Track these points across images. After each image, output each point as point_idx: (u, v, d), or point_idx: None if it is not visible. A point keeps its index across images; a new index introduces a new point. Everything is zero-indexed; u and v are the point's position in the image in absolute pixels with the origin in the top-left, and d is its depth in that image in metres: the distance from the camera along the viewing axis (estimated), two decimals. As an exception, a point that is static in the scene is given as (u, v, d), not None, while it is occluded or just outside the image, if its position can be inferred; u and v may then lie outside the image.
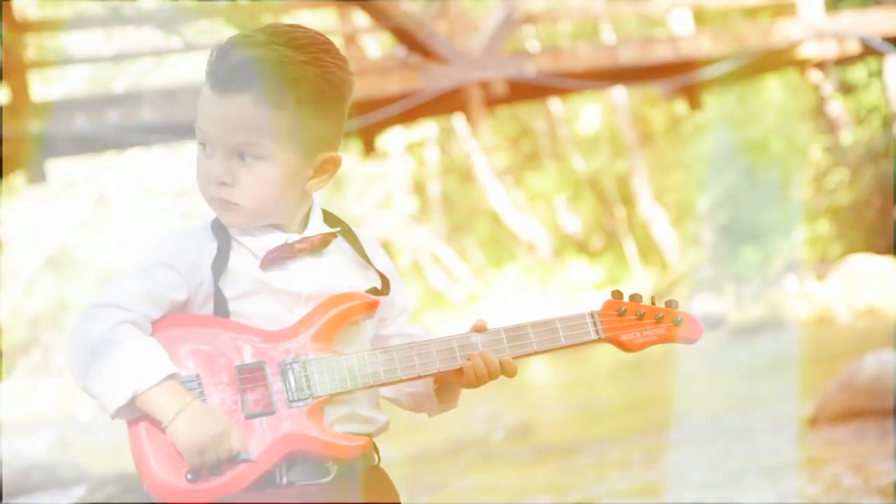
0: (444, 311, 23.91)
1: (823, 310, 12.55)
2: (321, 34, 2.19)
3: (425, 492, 6.60)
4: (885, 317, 12.01)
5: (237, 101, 2.10)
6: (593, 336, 2.26)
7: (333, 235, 2.22)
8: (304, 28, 2.18)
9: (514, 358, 2.22)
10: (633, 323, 2.28)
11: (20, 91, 9.28)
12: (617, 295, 2.29)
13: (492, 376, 2.21)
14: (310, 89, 2.13)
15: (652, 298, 2.31)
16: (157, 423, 2.06)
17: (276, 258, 2.16)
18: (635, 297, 2.29)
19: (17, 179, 17.42)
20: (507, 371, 2.21)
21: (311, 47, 2.14)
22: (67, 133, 9.43)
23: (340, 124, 2.22)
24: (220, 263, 2.14)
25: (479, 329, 2.22)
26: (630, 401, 9.65)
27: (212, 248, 2.16)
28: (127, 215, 24.27)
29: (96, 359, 2.07)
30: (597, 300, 2.31)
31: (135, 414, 2.08)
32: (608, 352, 15.20)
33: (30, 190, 21.94)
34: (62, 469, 9.61)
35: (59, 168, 21.58)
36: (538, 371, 14.30)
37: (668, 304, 2.30)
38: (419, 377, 2.20)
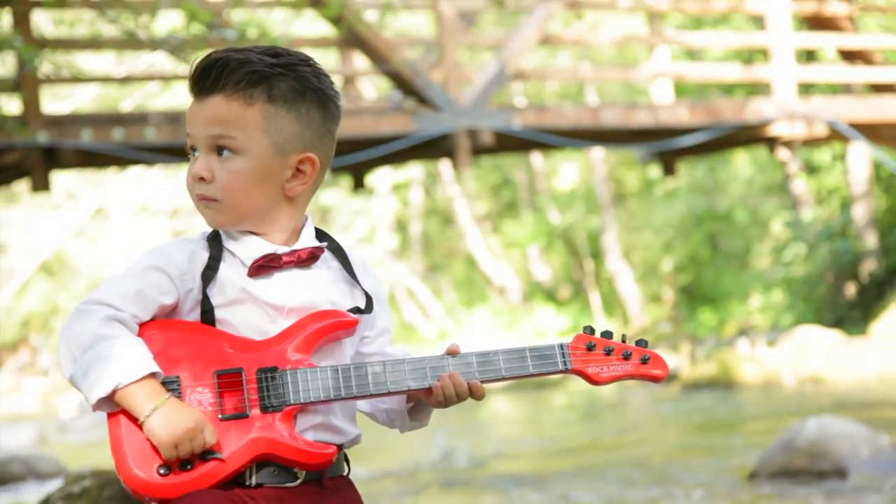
0: (416, 344, 23.88)
1: (771, 374, 12.61)
2: (307, 56, 2.23)
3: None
4: (829, 385, 12.08)
5: (211, 100, 2.15)
6: (560, 367, 2.25)
7: (321, 250, 2.22)
8: (287, 48, 2.23)
9: (482, 382, 2.22)
10: (600, 358, 2.26)
11: (32, 103, 9.30)
12: (588, 330, 2.29)
13: (460, 398, 2.21)
14: (282, 89, 2.17)
15: (623, 336, 2.30)
16: (134, 418, 2.08)
17: (262, 268, 2.17)
18: (606, 334, 2.29)
19: (21, 186, 17.39)
20: (475, 394, 2.21)
21: (287, 56, 2.19)
22: (73, 147, 9.44)
23: (322, 132, 2.22)
24: (209, 272, 2.16)
25: (452, 352, 2.23)
26: (585, 442, 9.67)
27: (204, 256, 2.18)
28: (122, 230, 24.20)
29: (83, 352, 2.09)
30: (569, 335, 2.32)
31: (114, 407, 2.09)
32: (569, 393, 15.12)
33: (33, 197, 21.88)
34: (41, 463, 9.57)
35: (62, 179, 21.55)
36: (502, 405, 14.30)
37: (638, 342, 2.30)
38: (390, 394, 2.21)
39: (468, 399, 2.23)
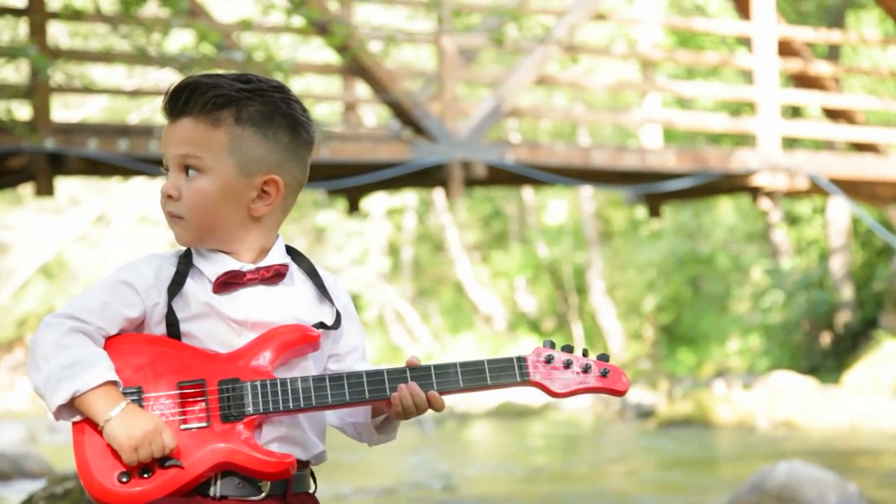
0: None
1: (746, 416, 12.57)
2: (279, 83, 2.23)
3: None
4: (801, 430, 12.04)
5: (182, 121, 2.17)
6: (518, 379, 2.20)
7: (285, 268, 2.20)
8: (259, 76, 2.23)
9: (440, 393, 2.18)
10: (559, 371, 2.21)
11: (42, 111, 9.27)
12: (548, 344, 2.24)
13: (419, 409, 2.18)
14: (249, 112, 2.17)
15: (584, 350, 2.25)
16: (95, 426, 2.06)
17: (226, 284, 2.16)
18: (566, 348, 2.24)
19: (26, 190, 17.33)
20: (434, 405, 2.18)
21: (258, 83, 2.19)
22: (79, 154, 9.41)
23: (289, 156, 2.21)
24: (175, 287, 2.15)
25: (411, 364, 2.20)
26: (560, 471, 9.61)
27: (171, 271, 2.17)
28: (122, 237, 24.14)
29: (45, 361, 2.08)
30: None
31: (74, 415, 2.08)
32: (549, 423, 15.07)
33: (37, 201, 21.81)
34: (29, 462, 9.49)
35: (66, 185, 21.49)
36: (482, 431, 14.24)
37: (599, 357, 2.24)
38: (348, 405, 2.17)
39: (428, 410, 2.19)
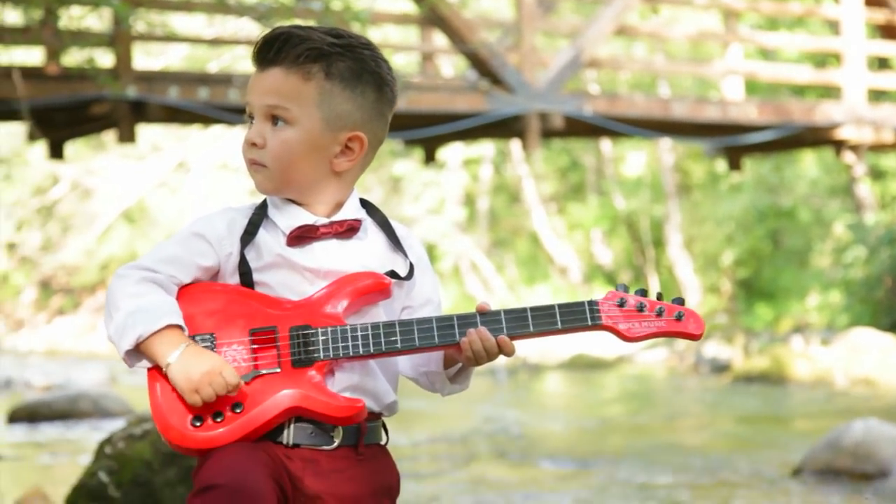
0: (475, 316, 23.86)
1: (823, 372, 12.43)
2: (368, 40, 2.24)
3: (421, 477, 6.61)
4: (879, 388, 11.89)
5: (272, 71, 2.18)
6: (589, 322, 2.17)
7: (359, 222, 2.22)
8: (349, 31, 2.24)
9: (511, 338, 2.17)
10: (632, 314, 2.17)
11: (124, 59, 9.40)
12: (622, 288, 2.20)
13: (489, 354, 2.16)
14: (339, 68, 2.18)
15: (658, 293, 2.21)
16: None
17: (300, 238, 2.18)
18: (640, 292, 2.20)
19: (109, 137, 17.60)
20: (504, 350, 2.16)
21: (349, 38, 2.20)
22: (160, 102, 9.54)
23: (374, 114, 2.23)
24: (247, 237, 2.18)
25: (481, 310, 2.19)
26: (633, 424, 9.61)
27: (243, 223, 2.20)
28: (202, 184, 24.44)
29: (116, 311, 2.13)
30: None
31: (142, 360, 2.12)
32: (622, 375, 15.07)
33: (119, 148, 22.14)
34: (108, 402, 9.72)
35: (148, 132, 21.78)
36: (555, 382, 14.27)
37: (674, 300, 2.20)
38: (418, 350, 2.17)
39: (500, 357, 2.18)
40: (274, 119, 2.18)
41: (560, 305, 2.18)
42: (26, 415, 9.46)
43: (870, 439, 6.38)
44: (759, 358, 13.30)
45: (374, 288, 2.17)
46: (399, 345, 2.14)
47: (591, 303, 2.19)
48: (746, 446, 8.06)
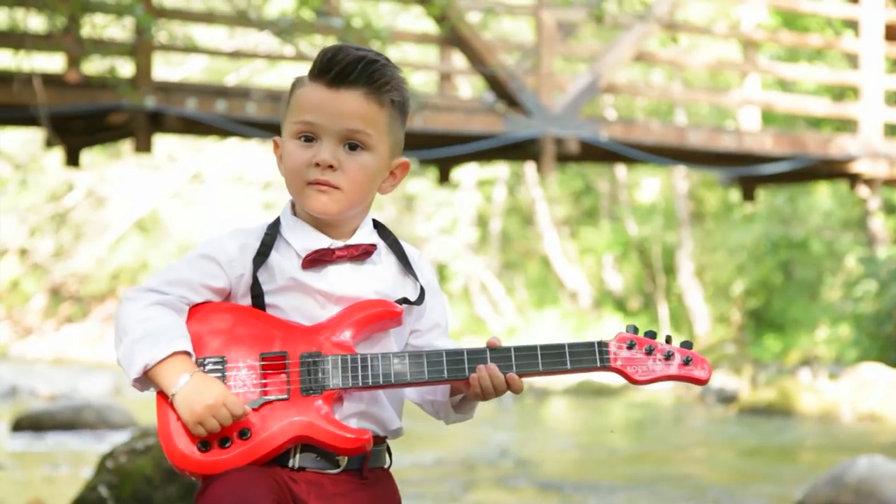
0: (484, 337, 23.78)
1: (830, 406, 12.40)
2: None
3: (424, 500, 6.60)
4: (886, 423, 11.85)
5: (352, 93, 2.16)
6: (598, 364, 2.18)
7: (374, 247, 2.22)
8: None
9: (520, 376, 2.17)
10: (640, 357, 2.18)
11: (144, 69, 9.45)
12: (631, 329, 2.21)
13: (497, 390, 2.17)
14: (400, 96, 2.22)
15: (667, 337, 2.21)
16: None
17: (315, 261, 2.18)
18: (649, 334, 2.20)
19: (125, 145, 17.67)
20: (513, 387, 2.17)
21: (398, 67, 2.24)
22: (178, 113, 9.57)
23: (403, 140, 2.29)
24: (260, 258, 2.17)
25: (492, 345, 2.19)
26: (637, 453, 9.59)
27: (255, 244, 2.19)
28: (216, 196, 24.50)
29: (125, 335, 2.13)
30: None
31: (150, 387, 2.13)
32: (627, 403, 15.03)
33: (135, 157, 22.22)
34: (112, 413, 9.73)
35: (164, 143, 21.87)
36: (560, 408, 14.25)
37: (682, 344, 2.20)
38: (427, 383, 2.18)
39: (507, 392, 2.18)
40: (350, 143, 2.17)
41: (570, 345, 2.18)
42: (30, 424, 9.47)
43: (874, 476, 6.35)
44: (766, 390, 13.26)
45: (386, 316, 2.17)
46: (409, 378, 2.15)
47: (600, 344, 2.19)
48: (749, 479, 8.03)
